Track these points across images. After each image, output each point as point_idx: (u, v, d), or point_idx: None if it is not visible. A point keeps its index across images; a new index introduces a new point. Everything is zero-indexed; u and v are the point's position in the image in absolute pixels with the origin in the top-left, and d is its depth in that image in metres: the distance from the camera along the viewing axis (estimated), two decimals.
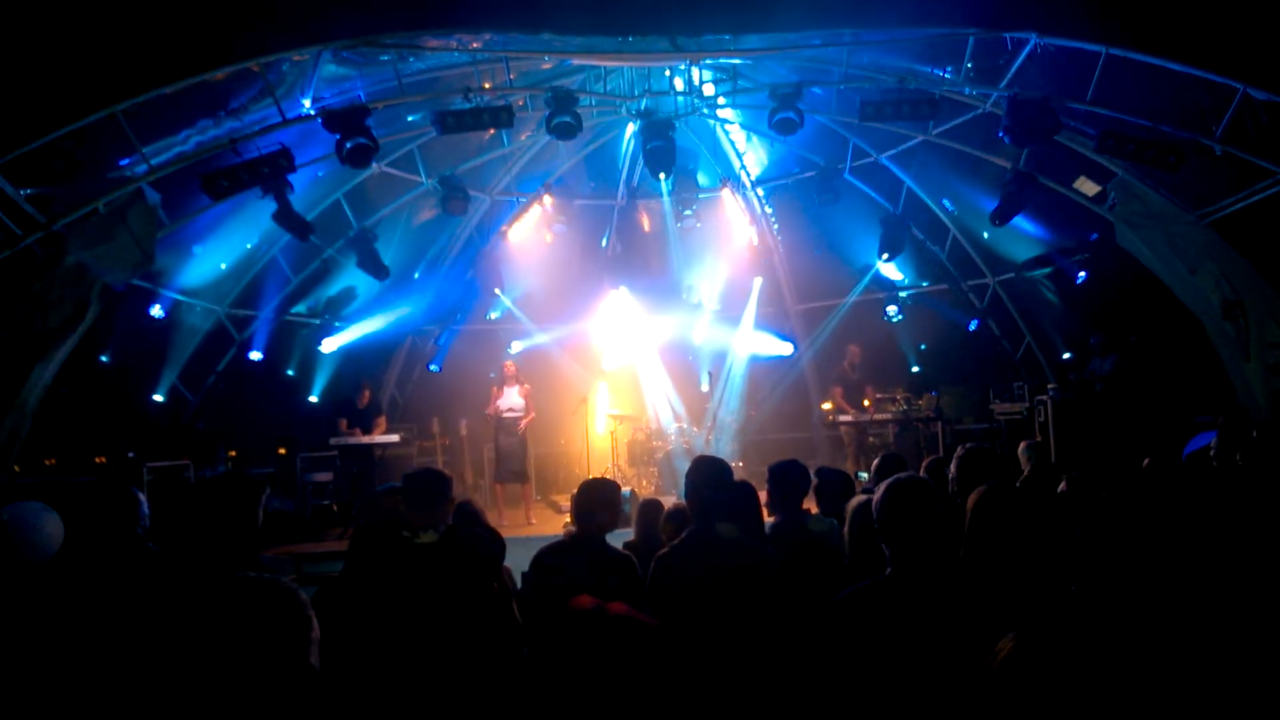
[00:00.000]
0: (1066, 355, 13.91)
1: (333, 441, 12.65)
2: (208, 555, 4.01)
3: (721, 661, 3.78)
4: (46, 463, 11.35)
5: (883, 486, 3.38)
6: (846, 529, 4.64)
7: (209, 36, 7.94)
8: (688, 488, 4.46)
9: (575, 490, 5.10)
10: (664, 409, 16.16)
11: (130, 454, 11.49)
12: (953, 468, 5.23)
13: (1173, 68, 8.79)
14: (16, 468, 9.33)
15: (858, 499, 4.66)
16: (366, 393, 12.77)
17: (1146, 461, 6.09)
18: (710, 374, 14.92)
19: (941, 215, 14.13)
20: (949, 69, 10.21)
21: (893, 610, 3.11)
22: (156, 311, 11.41)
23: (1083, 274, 12.59)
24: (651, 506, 6.07)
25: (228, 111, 9.29)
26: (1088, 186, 11.38)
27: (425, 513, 4.74)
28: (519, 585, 5.30)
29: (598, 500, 4.93)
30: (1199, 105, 9.22)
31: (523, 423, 12.65)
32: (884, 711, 2.97)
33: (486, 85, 10.40)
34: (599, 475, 7.46)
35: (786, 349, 16.11)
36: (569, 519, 10.84)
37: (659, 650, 1.93)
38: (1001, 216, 11.54)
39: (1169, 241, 10.10)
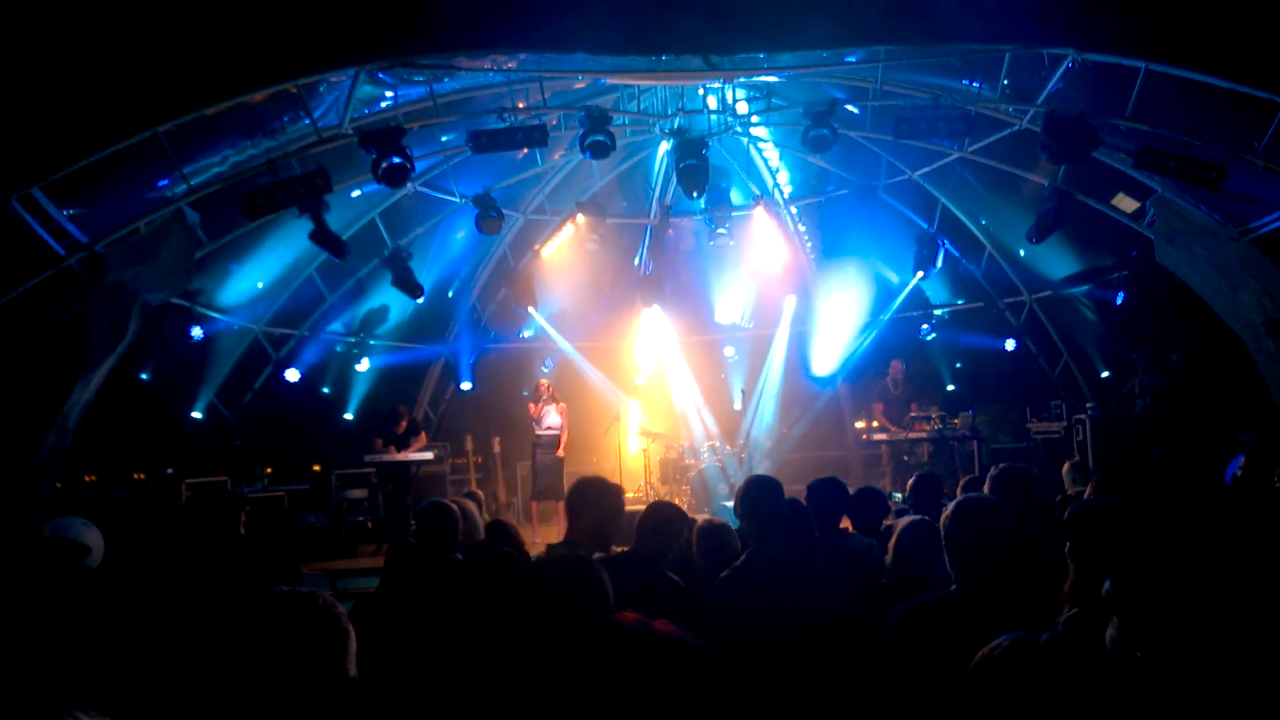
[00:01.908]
0: (1105, 374, 13.73)
1: (368, 459, 12.76)
2: (246, 570, 4.04)
3: (795, 683, 3.74)
4: (87, 479, 11.50)
5: (952, 505, 3.49)
6: (893, 547, 4.58)
7: (248, 58, 8.04)
8: (742, 508, 4.42)
9: (644, 509, 5.05)
10: (697, 427, 16.13)
11: (169, 470, 11.62)
12: (986, 488, 5.19)
13: (1214, 83, 8.67)
14: (58, 484, 9.46)
15: (908, 519, 4.62)
16: (404, 422, 12.93)
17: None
18: (743, 392, 14.87)
19: (977, 232, 14.01)
20: (985, 85, 10.14)
21: (959, 623, 3.15)
22: (196, 332, 11.51)
23: (1121, 293, 12.40)
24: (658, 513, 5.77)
25: (265, 132, 9.41)
26: (1126, 203, 11.25)
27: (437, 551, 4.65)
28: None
29: (663, 526, 4.88)
30: (1241, 120, 9.09)
31: (561, 443, 12.77)
32: None
33: (520, 105, 10.47)
34: (659, 499, 7.35)
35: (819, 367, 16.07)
36: None
37: (705, 673, 1.85)
38: (1039, 234, 11.43)
39: (1210, 259, 9.94)
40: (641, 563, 4.79)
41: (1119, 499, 4.67)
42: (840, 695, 3.85)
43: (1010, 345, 14.57)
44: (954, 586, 3.34)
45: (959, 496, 3.72)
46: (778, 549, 4.25)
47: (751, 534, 4.38)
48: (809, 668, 3.87)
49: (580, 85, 11.46)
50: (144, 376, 12.07)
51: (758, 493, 4.39)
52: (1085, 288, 13.36)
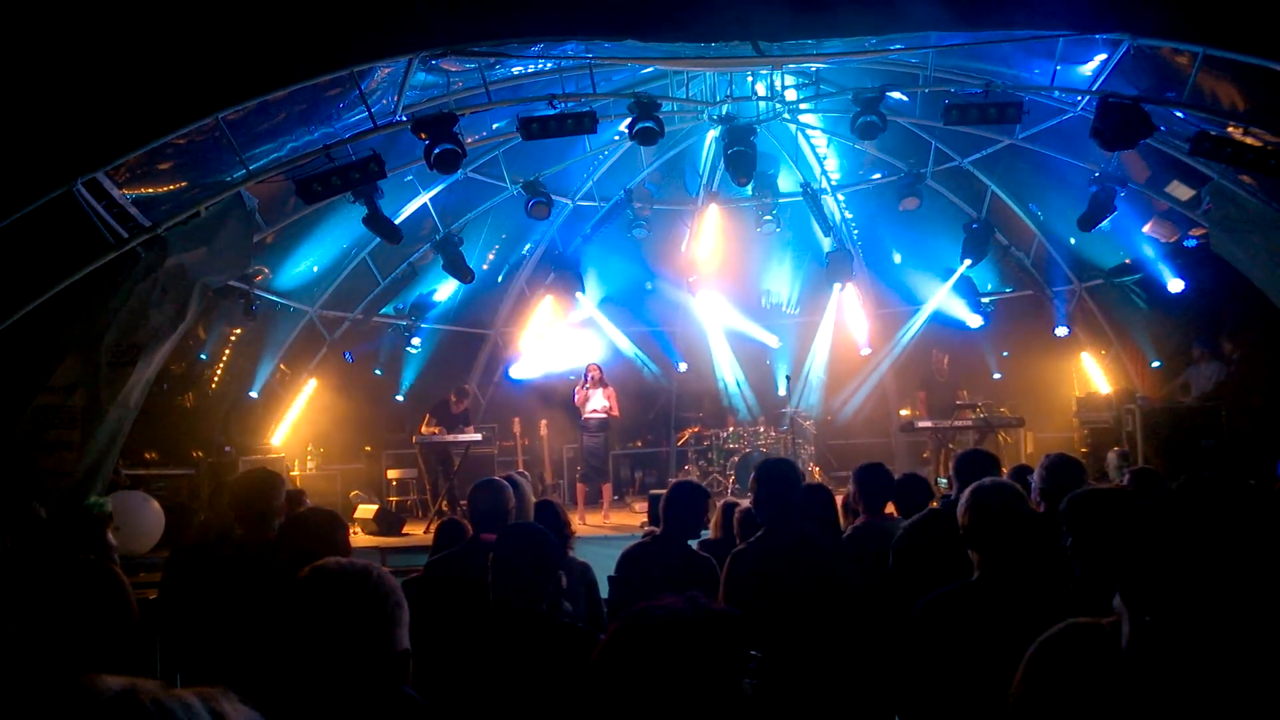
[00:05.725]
0: (1156, 364, 13.53)
1: (416, 439, 12.98)
2: (297, 546, 4.17)
3: (797, 662, 3.78)
4: (148, 456, 11.82)
5: (967, 492, 3.33)
6: None
7: (305, 45, 8.18)
8: (755, 491, 4.46)
9: (665, 491, 5.17)
10: (741, 412, 16.18)
11: (227, 449, 11.92)
12: (1036, 476, 5.17)
13: (1275, 67, 8.49)
14: (121, 461, 9.75)
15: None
16: (466, 402, 13.17)
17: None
18: (788, 377, 14.86)
19: (1027, 220, 13.86)
20: (1037, 71, 10.02)
21: (980, 614, 3.08)
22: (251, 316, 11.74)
23: (1178, 281, 12.16)
24: (730, 508, 6.12)
25: (322, 118, 9.57)
26: (1180, 191, 11.07)
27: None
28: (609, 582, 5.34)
29: (686, 503, 4.99)
30: None
31: (608, 426, 12.89)
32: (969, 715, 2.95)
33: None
34: (682, 479, 7.50)
35: (864, 351, 16.04)
36: (645, 520, 10.93)
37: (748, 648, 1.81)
38: (1089, 222, 11.29)
39: (1267, 247, 9.78)
40: (671, 543, 4.91)
41: (1124, 488, 4.61)
42: (860, 677, 3.87)
43: (1062, 333, 14.39)
44: (976, 575, 3.22)
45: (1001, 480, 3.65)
46: (790, 532, 4.28)
47: (763, 516, 4.40)
48: (822, 647, 3.89)
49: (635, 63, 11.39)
50: (203, 356, 12.38)
51: (770, 476, 4.43)
52: (1137, 276, 13.15)
